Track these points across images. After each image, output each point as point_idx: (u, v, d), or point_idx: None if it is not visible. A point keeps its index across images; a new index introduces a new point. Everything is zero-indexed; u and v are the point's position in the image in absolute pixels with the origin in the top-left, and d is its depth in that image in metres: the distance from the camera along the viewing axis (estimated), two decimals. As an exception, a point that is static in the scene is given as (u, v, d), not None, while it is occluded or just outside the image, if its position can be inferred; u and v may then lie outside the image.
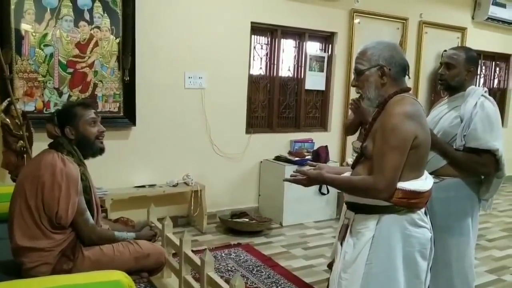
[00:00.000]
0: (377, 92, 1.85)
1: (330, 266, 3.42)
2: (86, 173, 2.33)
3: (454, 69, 2.42)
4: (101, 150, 2.38)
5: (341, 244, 1.92)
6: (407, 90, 1.87)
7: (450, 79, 2.45)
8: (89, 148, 2.33)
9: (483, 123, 2.29)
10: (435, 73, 6.21)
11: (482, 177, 2.45)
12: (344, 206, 2.07)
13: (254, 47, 4.97)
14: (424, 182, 1.83)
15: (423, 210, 1.86)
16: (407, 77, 1.90)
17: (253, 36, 4.88)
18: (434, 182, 1.95)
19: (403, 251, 1.80)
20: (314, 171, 1.93)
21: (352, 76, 2.00)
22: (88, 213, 2.25)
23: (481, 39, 6.55)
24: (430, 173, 2.02)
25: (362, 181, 1.79)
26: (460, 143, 2.33)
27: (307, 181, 1.90)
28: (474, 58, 2.48)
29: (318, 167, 2.01)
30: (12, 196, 2.23)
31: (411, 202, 1.78)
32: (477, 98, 2.35)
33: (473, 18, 6.52)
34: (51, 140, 2.34)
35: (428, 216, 1.90)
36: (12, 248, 2.17)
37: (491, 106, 2.36)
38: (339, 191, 5.05)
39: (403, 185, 1.76)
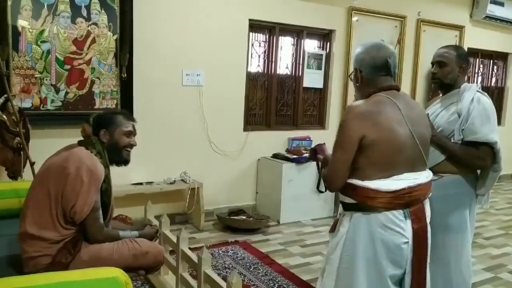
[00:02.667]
0: (358, 93, 1.96)
1: None
2: (109, 177, 2.34)
3: (446, 66, 2.44)
4: (126, 161, 2.45)
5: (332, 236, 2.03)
6: (386, 88, 1.87)
7: (443, 77, 2.46)
8: (117, 155, 2.38)
9: (481, 117, 2.31)
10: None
11: (478, 172, 2.47)
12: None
13: (252, 45, 4.96)
14: (392, 182, 1.77)
15: (397, 213, 1.79)
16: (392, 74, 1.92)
17: (251, 33, 4.87)
18: (432, 180, 1.95)
19: (367, 253, 1.80)
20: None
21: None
22: (99, 212, 2.25)
23: (479, 38, 6.56)
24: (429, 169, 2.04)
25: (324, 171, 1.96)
26: (458, 138, 2.34)
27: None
28: (464, 54, 2.51)
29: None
30: (31, 185, 2.26)
31: (370, 200, 1.77)
32: (473, 93, 2.38)
33: (471, 16, 6.53)
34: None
35: (408, 221, 1.81)
36: (20, 233, 2.19)
37: (487, 100, 2.39)
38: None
39: (367, 183, 1.77)
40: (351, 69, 5.41)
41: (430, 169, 2.08)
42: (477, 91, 2.40)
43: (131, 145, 2.45)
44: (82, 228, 2.22)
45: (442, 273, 2.38)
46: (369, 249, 1.79)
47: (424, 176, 1.87)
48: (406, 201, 1.80)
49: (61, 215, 2.14)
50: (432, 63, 2.53)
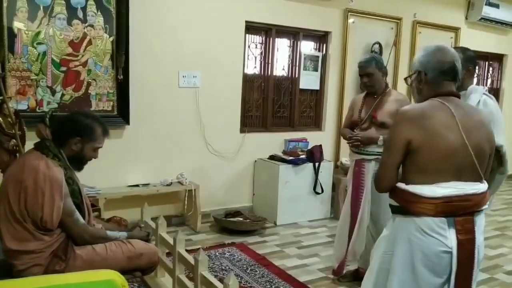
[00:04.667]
0: (417, 97, 1.94)
1: (336, 274, 3.44)
2: (74, 177, 2.28)
3: None
4: (79, 170, 2.36)
5: None
6: (445, 94, 1.83)
7: None
8: (76, 165, 2.31)
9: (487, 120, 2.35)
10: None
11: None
12: None
13: (249, 46, 4.96)
14: (435, 189, 1.72)
15: (439, 219, 1.73)
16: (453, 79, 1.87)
17: (247, 35, 4.87)
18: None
19: (404, 255, 1.79)
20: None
21: (347, 76, 2.12)
22: (77, 213, 2.21)
23: (475, 39, 6.58)
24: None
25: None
26: None
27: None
28: (472, 57, 2.54)
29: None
30: None
31: (411, 204, 1.76)
32: (479, 96, 2.43)
33: (466, 18, 6.56)
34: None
35: (452, 229, 1.73)
36: (3, 250, 2.15)
37: (493, 103, 2.43)
38: (333, 191, 5.08)
39: (409, 187, 1.77)
40: (349, 70, 5.41)
41: None
42: (484, 93, 2.43)
43: (92, 158, 2.35)
44: (66, 233, 2.19)
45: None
46: (407, 252, 1.78)
47: (473, 187, 1.76)
48: (450, 209, 1.73)
49: (34, 226, 2.09)
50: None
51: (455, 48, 2.57)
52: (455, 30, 6.43)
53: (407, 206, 1.78)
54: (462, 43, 6.47)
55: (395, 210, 1.87)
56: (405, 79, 2.00)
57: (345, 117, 3.58)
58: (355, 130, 3.26)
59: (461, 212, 1.74)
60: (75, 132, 2.24)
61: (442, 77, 1.84)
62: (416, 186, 1.75)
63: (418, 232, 1.75)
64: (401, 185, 1.80)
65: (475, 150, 1.74)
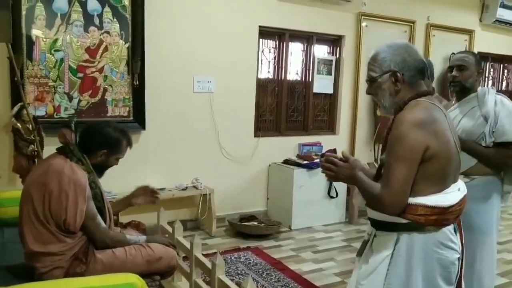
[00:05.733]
0: (391, 99, 1.74)
1: None
2: (96, 181, 2.33)
3: (467, 70, 2.53)
4: (100, 176, 2.43)
5: (359, 260, 1.85)
6: (425, 93, 1.72)
7: (464, 80, 2.54)
8: (99, 172, 2.39)
9: (508, 118, 2.41)
10: (444, 76, 6.19)
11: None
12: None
13: (262, 51, 4.98)
14: (447, 196, 1.66)
15: (451, 227, 1.69)
16: (427, 79, 1.78)
17: (261, 40, 4.89)
18: (465, 182, 1.90)
19: (423, 274, 1.66)
20: (346, 164, 1.74)
21: (361, 80, 1.94)
22: (99, 217, 2.25)
23: (489, 42, 6.53)
24: (460, 174, 2.01)
25: (374, 190, 1.65)
26: (490, 140, 2.42)
27: (335, 172, 1.74)
28: (480, 60, 2.61)
29: (353, 161, 1.76)
30: (20, 201, 2.23)
31: (431, 219, 1.62)
32: (494, 96, 2.47)
33: (480, 20, 6.50)
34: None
35: (458, 234, 1.73)
36: (25, 253, 2.18)
37: (509, 102, 2.48)
38: (348, 195, 5.06)
39: (420, 200, 1.62)
40: (363, 73, 5.38)
41: (463, 173, 2.08)
42: (496, 93, 2.49)
43: (112, 166, 2.46)
44: (88, 236, 2.22)
45: (466, 273, 2.37)
46: (427, 269, 1.66)
47: (462, 185, 1.75)
48: (458, 214, 1.69)
49: (57, 228, 2.13)
50: (451, 67, 2.60)
51: (465, 52, 2.60)
52: (469, 32, 6.38)
53: (420, 220, 1.62)
54: (477, 46, 6.43)
55: (396, 227, 1.67)
56: (372, 80, 1.76)
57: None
58: None
59: (460, 214, 1.72)
60: (102, 144, 2.32)
61: (419, 76, 1.73)
62: (427, 197, 1.63)
63: (437, 247, 1.66)
64: (414, 199, 1.63)
65: (458, 148, 1.74)
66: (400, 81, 1.71)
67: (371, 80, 1.78)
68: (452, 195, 1.67)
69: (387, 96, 1.75)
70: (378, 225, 1.77)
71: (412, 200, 1.62)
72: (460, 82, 2.55)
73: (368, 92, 1.85)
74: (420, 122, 1.59)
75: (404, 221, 1.65)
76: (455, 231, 1.72)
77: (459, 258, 1.72)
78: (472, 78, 2.53)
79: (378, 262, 1.71)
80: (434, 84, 6.11)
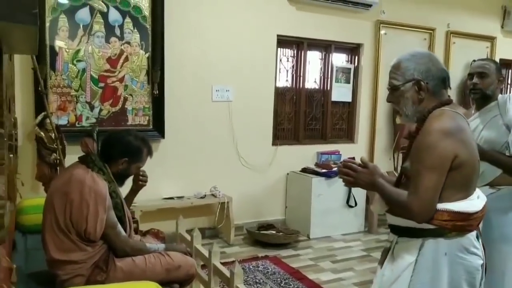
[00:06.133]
0: (414, 108, 1.74)
1: None
2: (117, 190, 2.36)
3: (488, 78, 2.51)
4: (120, 185, 2.46)
5: (381, 268, 1.83)
6: (448, 102, 1.73)
7: (485, 88, 2.51)
8: (120, 181, 2.42)
9: None
10: (464, 84, 6.11)
11: None
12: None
13: (280, 60, 5.00)
14: (472, 203, 1.68)
15: (474, 234, 1.71)
16: (448, 88, 1.78)
17: (279, 48, 4.91)
18: (490, 193, 1.91)
19: (448, 280, 1.66)
20: (366, 170, 1.73)
21: (380, 88, 1.93)
22: (119, 226, 2.28)
23: None
24: (485, 185, 1.98)
25: (401, 197, 1.66)
26: None
27: (354, 178, 1.73)
28: (501, 68, 2.61)
29: (373, 167, 1.74)
30: (43, 209, 2.27)
31: (457, 224, 1.64)
32: None
33: (502, 27, 6.40)
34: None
35: (480, 241, 1.74)
36: (47, 260, 2.22)
37: None
38: (367, 204, 5.01)
39: (447, 206, 1.63)
40: (382, 82, 5.32)
41: (488, 183, 2.10)
42: None
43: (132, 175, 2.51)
44: (108, 245, 2.25)
45: (496, 284, 2.32)
46: (452, 275, 1.66)
47: (481, 193, 1.76)
48: (480, 220, 1.71)
49: (78, 237, 2.16)
50: (471, 74, 2.57)
51: (486, 59, 2.56)
52: (491, 39, 6.29)
53: (448, 226, 1.64)
54: (499, 53, 6.33)
55: (421, 233, 1.68)
56: (394, 88, 1.77)
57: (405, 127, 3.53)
58: None
59: (481, 220, 1.74)
60: (123, 153, 2.35)
61: (442, 85, 1.74)
62: (454, 203, 1.64)
63: (462, 252, 1.67)
64: (441, 205, 1.64)
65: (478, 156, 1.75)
66: (424, 90, 1.72)
67: (393, 88, 1.79)
68: (476, 201, 1.70)
69: (410, 105, 1.75)
70: (401, 231, 1.77)
71: (439, 206, 1.63)
72: (481, 90, 2.52)
73: (389, 100, 1.85)
74: (448, 131, 1.61)
75: (430, 227, 1.65)
76: (477, 237, 1.73)
77: (482, 264, 1.72)
78: (493, 85, 2.51)
79: (402, 269, 1.71)
80: (454, 92, 6.06)
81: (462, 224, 1.65)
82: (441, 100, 1.74)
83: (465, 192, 1.68)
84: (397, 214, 1.73)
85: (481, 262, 1.71)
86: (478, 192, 1.75)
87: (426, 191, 1.61)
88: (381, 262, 1.86)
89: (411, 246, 1.71)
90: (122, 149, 2.35)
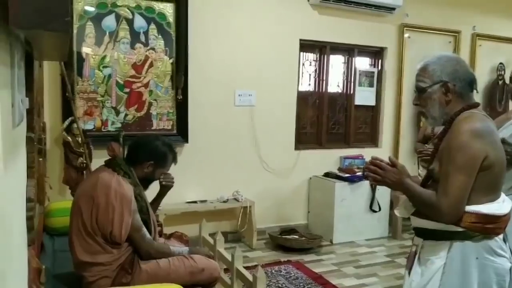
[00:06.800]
0: (442, 110, 1.74)
1: None
2: (142, 194, 2.41)
3: None
4: (145, 189, 2.51)
5: (409, 274, 1.82)
6: (475, 105, 1.74)
7: None
8: (145, 185, 2.47)
9: None
10: (492, 87, 5.99)
11: None
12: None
13: (303, 64, 5.00)
14: (501, 205, 1.68)
15: (501, 236, 1.70)
16: (474, 91, 1.77)
17: (301, 53, 4.91)
18: None
19: (478, 282, 1.66)
20: (394, 169, 1.70)
21: (404, 92, 1.92)
22: (144, 229, 2.31)
23: (540, 51, 6.26)
24: None
25: (430, 198, 1.66)
26: None
27: (381, 176, 1.70)
28: None
29: (401, 167, 1.73)
30: (70, 212, 2.33)
31: (486, 227, 1.64)
32: None
33: (530, 29, 6.26)
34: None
35: (507, 244, 1.73)
36: (74, 262, 2.28)
37: None
38: (391, 209, 4.94)
39: (476, 208, 1.63)
40: (406, 85, 5.24)
41: None
42: None
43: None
44: (133, 247, 2.29)
45: None
46: (482, 278, 1.66)
47: (505, 196, 1.75)
48: (507, 223, 1.71)
49: (104, 240, 2.21)
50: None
51: None
52: (519, 41, 6.16)
53: (477, 228, 1.64)
54: (527, 55, 6.19)
55: (448, 236, 1.67)
56: (421, 90, 1.76)
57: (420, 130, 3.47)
58: (426, 145, 3.19)
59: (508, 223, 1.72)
60: (150, 156, 2.41)
61: (469, 88, 1.74)
62: (485, 205, 1.64)
63: (490, 255, 1.66)
64: (470, 207, 1.64)
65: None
66: (452, 92, 1.72)
67: (420, 91, 1.79)
68: (504, 204, 1.69)
69: (437, 107, 1.76)
70: (427, 234, 1.76)
71: (468, 208, 1.63)
72: None
73: (415, 103, 1.85)
74: (479, 132, 1.62)
75: (458, 229, 1.65)
76: (504, 240, 1.72)
77: (511, 267, 1.71)
78: None
79: (432, 273, 1.70)
80: (481, 95, 5.95)
81: (490, 226, 1.65)
82: (468, 103, 1.74)
83: (493, 194, 1.68)
84: (424, 215, 1.72)
85: (510, 264, 1.70)
86: (503, 195, 1.74)
87: (456, 191, 1.61)
88: (409, 268, 1.85)
89: (439, 249, 1.70)
90: (149, 153, 2.41)
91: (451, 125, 1.71)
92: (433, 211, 1.66)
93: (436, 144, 1.78)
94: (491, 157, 1.63)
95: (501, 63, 6.04)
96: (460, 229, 1.65)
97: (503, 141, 2.06)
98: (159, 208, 3.90)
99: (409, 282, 1.79)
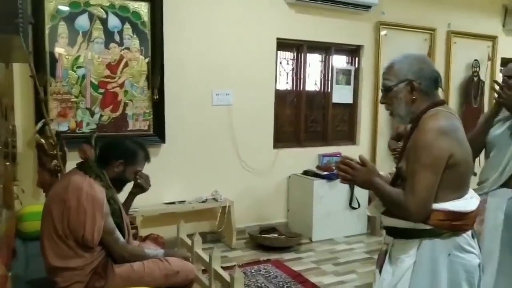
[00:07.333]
0: (408, 108, 1.76)
1: None
2: (115, 196, 2.37)
3: None
4: (118, 191, 2.46)
5: (380, 272, 1.83)
6: (441, 103, 1.76)
7: None
8: (118, 186, 2.42)
9: None
10: (467, 83, 6.08)
11: None
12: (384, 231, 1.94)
13: (280, 63, 5.00)
14: (468, 202, 1.70)
15: (469, 233, 1.72)
16: (440, 89, 1.79)
17: (279, 51, 4.91)
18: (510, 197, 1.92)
19: (448, 279, 1.67)
20: (364, 168, 1.71)
21: (380, 90, 1.92)
22: (117, 232, 2.28)
23: (514, 47, 6.40)
24: (503, 186, 2.05)
25: (398, 196, 1.67)
26: None
27: (352, 175, 1.71)
28: None
29: (371, 166, 1.74)
30: (41, 216, 2.28)
31: (454, 224, 1.66)
32: None
33: (503, 26, 6.38)
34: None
35: (476, 240, 1.75)
36: (46, 267, 2.23)
37: None
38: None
39: (443, 206, 1.65)
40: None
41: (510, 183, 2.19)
42: None
43: (130, 181, 2.50)
44: (106, 251, 2.25)
45: None
46: (451, 275, 1.68)
47: (474, 193, 1.78)
48: (475, 219, 1.73)
49: (76, 244, 2.16)
50: (508, 77, 2.36)
51: None
52: (493, 38, 6.26)
53: (444, 226, 1.65)
54: (500, 52, 6.32)
55: (417, 234, 1.69)
56: (387, 89, 1.77)
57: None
58: (399, 143, 3.21)
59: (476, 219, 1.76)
60: (119, 155, 2.37)
61: (434, 86, 1.76)
62: (452, 202, 1.66)
63: (459, 251, 1.68)
64: (437, 205, 1.65)
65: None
66: (417, 90, 1.74)
67: (386, 89, 1.80)
68: (471, 201, 1.72)
69: (403, 105, 1.77)
70: (397, 233, 1.78)
71: (435, 206, 1.65)
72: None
73: (382, 102, 1.85)
74: (444, 130, 1.63)
75: (427, 227, 1.66)
76: (472, 236, 1.74)
77: (480, 263, 1.73)
78: None
79: (403, 272, 1.71)
80: (457, 92, 6.04)
81: (457, 223, 1.67)
82: (434, 101, 1.75)
83: (460, 191, 1.70)
84: (393, 214, 1.73)
85: (478, 261, 1.72)
86: (471, 192, 1.77)
87: (422, 189, 1.62)
88: (379, 266, 1.86)
89: (409, 248, 1.72)
90: (117, 151, 2.38)
91: (418, 123, 1.71)
92: (401, 210, 1.67)
93: (404, 142, 1.80)
94: (457, 154, 1.64)
95: (475, 60, 6.13)
96: (428, 227, 1.66)
97: None
98: (136, 209, 3.88)
99: (380, 281, 1.80)
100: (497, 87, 2.32)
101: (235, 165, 4.68)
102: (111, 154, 2.37)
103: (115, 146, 2.42)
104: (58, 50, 3.82)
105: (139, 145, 2.46)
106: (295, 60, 5.11)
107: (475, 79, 6.15)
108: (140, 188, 2.58)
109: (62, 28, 3.81)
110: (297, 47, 5.07)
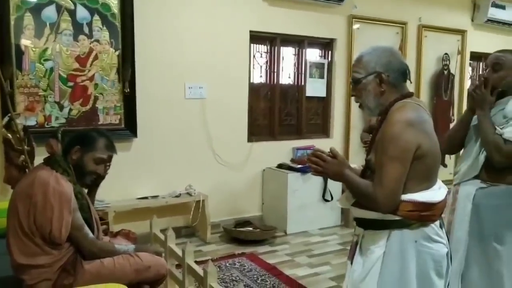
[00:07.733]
0: (376, 100, 1.77)
1: None
2: (83, 192, 2.31)
3: (501, 71, 2.28)
4: (86, 186, 2.38)
5: (351, 263, 1.85)
6: (409, 95, 1.78)
7: (497, 82, 2.27)
8: (80, 178, 2.30)
9: None
10: (437, 76, 6.19)
11: None
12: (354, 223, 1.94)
13: (254, 56, 4.98)
14: (436, 192, 1.73)
15: (438, 223, 1.75)
16: (408, 81, 1.81)
17: (252, 44, 4.89)
18: (481, 187, 2.03)
19: (416, 269, 1.70)
20: (335, 160, 1.72)
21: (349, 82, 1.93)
22: (86, 227, 2.22)
23: (482, 41, 6.54)
24: (475, 178, 2.09)
25: (367, 188, 1.69)
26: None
27: (323, 167, 1.72)
28: None
29: (342, 158, 1.75)
30: (7, 213, 2.21)
31: (422, 214, 1.68)
32: None
33: (472, 20, 6.51)
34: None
35: (444, 230, 1.79)
36: (12, 265, 2.16)
37: None
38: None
39: (411, 197, 1.67)
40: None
41: (478, 177, 2.22)
42: None
43: (97, 174, 2.33)
44: (75, 247, 2.20)
45: (496, 284, 2.28)
46: (420, 265, 1.70)
47: (442, 183, 1.80)
48: (443, 210, 1.76)
49: (42, 241, 2.10)
50: (487, 66, 2.36)
51: (504, 50, 2.35)
52: (462, 32, 6.39)
53: (413, 217, 1.68)
54: (469, 46, 6.45)
55: (387, 225, 1.71)
56: (356, 82, 1.78)
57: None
58: (371, 135, 3.24)
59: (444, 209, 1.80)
60: (75, 141, 2.30)
61: (402, 78, 1.77)
62: (420, 193, 1.68)
63: (427, 241, 1.70)
64: (405, 196, 1.67)
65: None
66: (385, 83, 1.75)
67: (355, 82, 1.81)
68: (439, 191, 1.75)
69: (372, 98, 1.78)
70: (367, 224, 1.80)
71: (404, 197, 1.67)
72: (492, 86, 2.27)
73: (352, 94, 1.87)
74: (411, 122, 1.64)
75: (396, 218, 1.68)
76: (440, 226, 1.77)
77: (448, 252, 1.76)
78: (507, 79, 2.27)
79: (373, 262, 1.74)
80: (427, 85, 6.15)
81: (426, 214, 1.69)
82: (402, 93, 1.77)
83: (428, 182, 1.72)
84: (363, 205, 1.75)
85: (446, 250, 1.75)
86: (439, 183, 1.80)
87: (390, 181, 1.63)
88: (350, 257, 1.88)
89: (378, 238, 1.74)
90: (74, 138, 2.33)
91: (386, 116, 1.73)
92: (370, 202, 1.69)
93: (373, 134, 1.82)
94: (424, 146, 1.65)
95: (446, 53, 6.25)
96: (397, 218, 1.68)
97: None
98: (107, 205, 3.83)
99: (351, 272, 1.82)
100: (471, 87, 2.37)
101: (209, 159, 4.65)
102: (69, 142, 2.31)
103: (74, 134, 2.38)
104: (24, 42, 3.70)
105: (100, 133, 2.36)
106: (268, 53, 5.10)
107: (445, 72, 6.27)
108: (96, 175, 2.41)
109: (28, 19, 3.69)
110: (271, 40, 5.06)
